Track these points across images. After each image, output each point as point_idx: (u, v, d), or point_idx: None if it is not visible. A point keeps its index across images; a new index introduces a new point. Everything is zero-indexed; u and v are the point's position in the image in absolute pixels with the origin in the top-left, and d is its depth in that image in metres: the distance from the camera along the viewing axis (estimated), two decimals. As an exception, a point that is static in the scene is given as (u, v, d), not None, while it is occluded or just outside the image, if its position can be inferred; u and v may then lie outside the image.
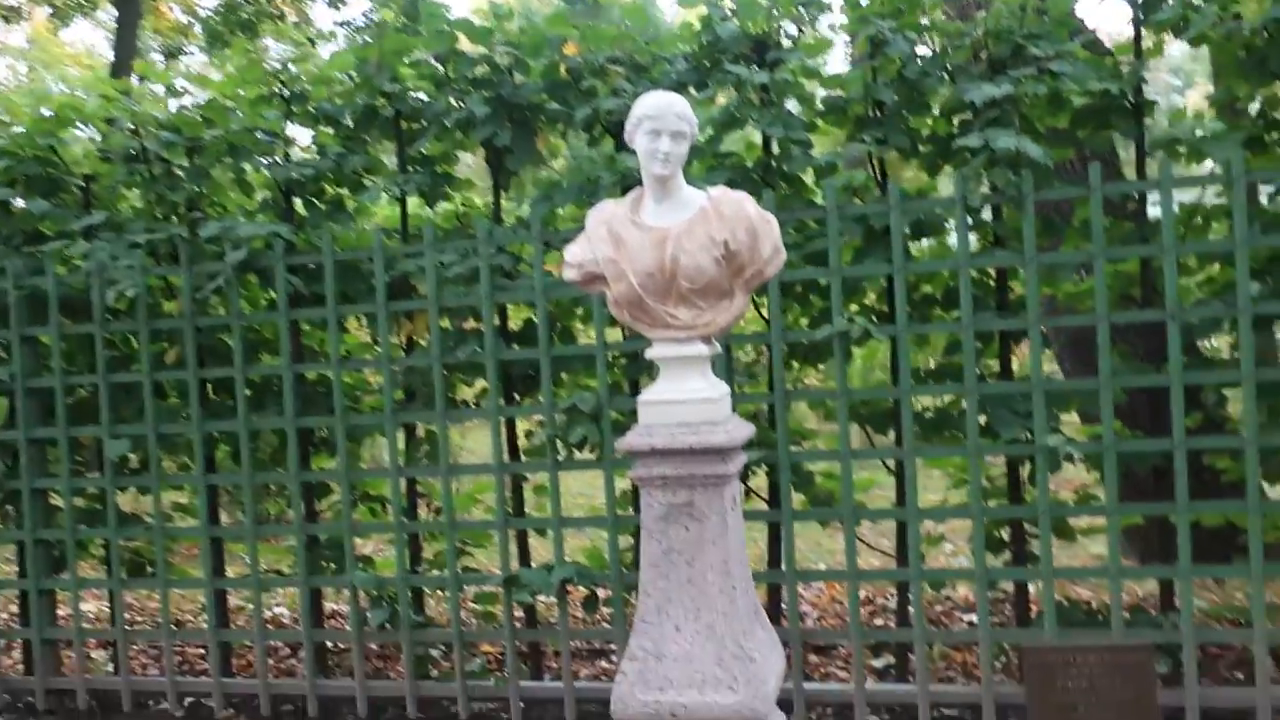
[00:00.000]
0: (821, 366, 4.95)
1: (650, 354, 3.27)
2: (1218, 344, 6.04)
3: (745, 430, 3.23)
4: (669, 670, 3.15)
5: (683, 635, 3.16)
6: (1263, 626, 3.92)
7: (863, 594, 5.83)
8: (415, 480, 4.90)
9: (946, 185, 5.27)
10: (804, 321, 4.73)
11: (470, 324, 4.73)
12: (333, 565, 4.86)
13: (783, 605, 4.50)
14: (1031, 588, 4.40)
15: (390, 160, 5.12)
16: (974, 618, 5.38)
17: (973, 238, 4.35)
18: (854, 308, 4.55)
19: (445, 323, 4.61)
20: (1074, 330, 5.49)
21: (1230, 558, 4.97)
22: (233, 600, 5.86)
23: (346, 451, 4.64)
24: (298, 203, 5.00)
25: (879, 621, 5.45)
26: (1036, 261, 4.03)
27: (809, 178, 4.71)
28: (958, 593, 5.78)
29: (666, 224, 3.20)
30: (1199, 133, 4.03)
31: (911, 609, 4.53)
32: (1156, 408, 4.52)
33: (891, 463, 4.59)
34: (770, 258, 3.22)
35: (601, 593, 4.58)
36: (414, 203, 5.23)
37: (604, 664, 5.10)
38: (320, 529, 4.84)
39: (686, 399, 3.19)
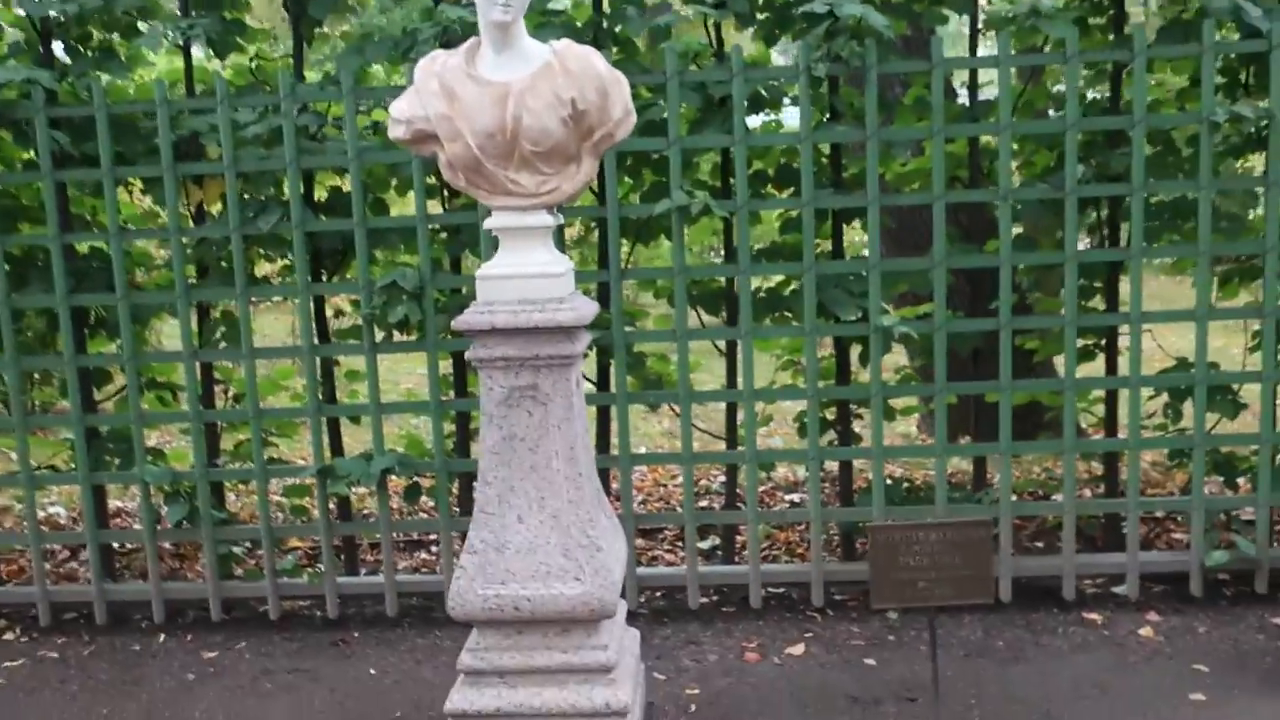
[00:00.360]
0: (650, 245, 4.77)
1: (490, 224, 2.98)
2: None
3: (592, 308, 3.02)
4: (511, 563, 2.96)
5: (526, 526, 2.97)
6: (1072, 499, 4.09)
7: (676, 481, 5.81)
8: (211, 365, 4.45)
9: (775, 58, 5.13)
10: (634, 197, 4.52)
11: (270, 192, 4.27)
12: (118, 460, 4.39)
13: (613, 490, 4.38)
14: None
15: (170, 3, 4.50)
16: (795, 498, 5.46)
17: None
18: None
19: (242, 190, 4.13)
20: (890, 211, 5.51)
21: (1035, 435, 5.22)
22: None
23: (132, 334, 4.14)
24: (58, 47, 4.33)
25: (703, 503, 5.44)
26: (878, 138, 3.93)
27: (641, 43, 4.44)
28: (777, 473, 5.84)
29: (507, 78, 2.88)
30: (1033, 10, 4.00)
31: (744, 490, 4.51)
32: (976, 290, 4.60)
33: (722, 344, 4.50)
34: (621, 119, 2.97)
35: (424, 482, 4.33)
36: (199, 55, 4.65)
37: (424, 555, 4.88)
38: (102, 420, 4.34)
39: (530, 273, 2.93)
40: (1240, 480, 4.38)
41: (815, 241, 3.99)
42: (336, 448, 4.37)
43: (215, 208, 4.43)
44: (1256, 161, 5.52)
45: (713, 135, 4.03)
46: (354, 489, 4.22)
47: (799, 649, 3.90)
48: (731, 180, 4.31)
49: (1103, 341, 4.39)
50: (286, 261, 4.66)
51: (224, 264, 4.32)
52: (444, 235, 4.30)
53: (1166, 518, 4.88)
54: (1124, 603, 4.16)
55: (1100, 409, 4.57)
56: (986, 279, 4.72)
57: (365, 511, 5.33)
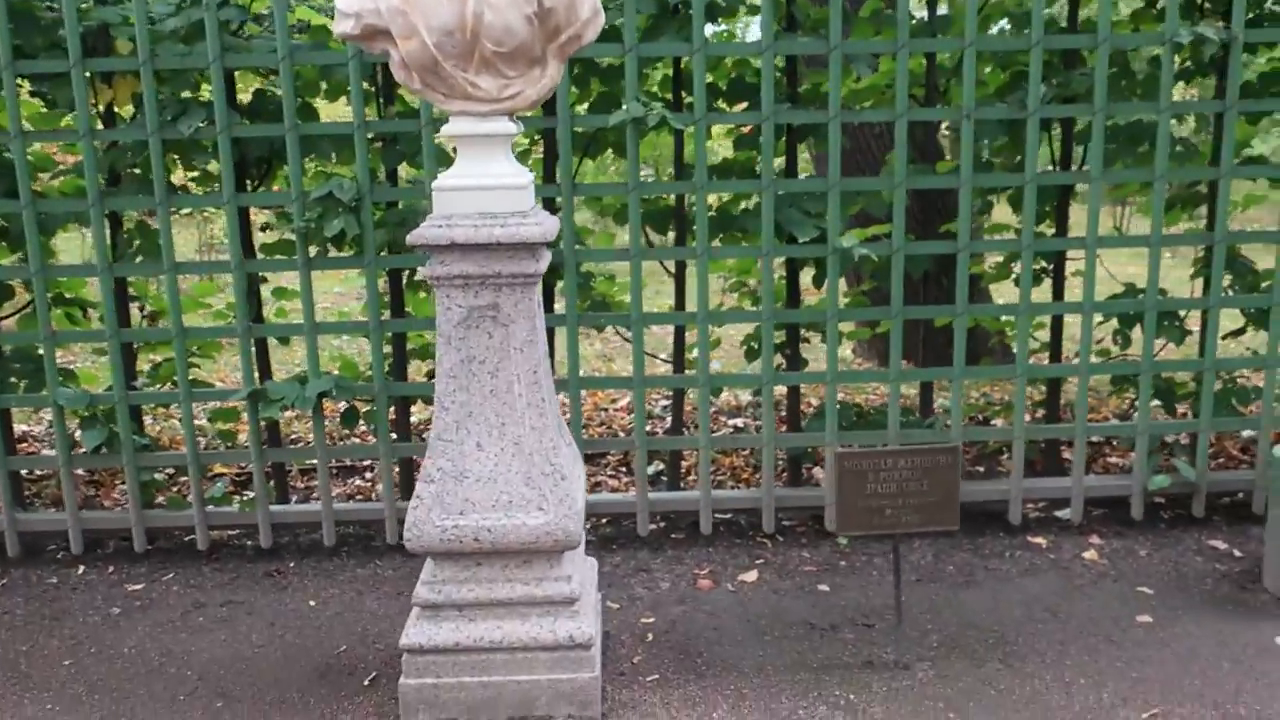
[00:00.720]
0: (597, 160, 4.57)
1: (448, 131, 2.77)
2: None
3: (555, 223, 2.84)
4: (470, 492, 2.81)
5: (486, 453, 2.82)
6: (1022, 424, 4.08)
7: (625, 401, 5.70)
8: (126, 280, 4.15)
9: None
10: (580, 108, 4.31)
11: (188, 94, 3.94)
12: (24, 381, 4.08)
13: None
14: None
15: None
16: (739, 422, 5.39)
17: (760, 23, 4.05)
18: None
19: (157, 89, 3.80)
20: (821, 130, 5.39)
21: (975, 361, 5.22)
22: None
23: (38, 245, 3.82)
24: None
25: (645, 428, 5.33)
26: (842, 48, 3.78)
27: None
28: (719, 398, 5.76)
29: (468, -29, 2.65)
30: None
31: (690, 415, 4.42)
32: (927, 213, 4.52)
33: (669, 264, 4.36)
34: (590, 19, 2.76)
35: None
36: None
37: (358, 482, 4.69)
38: (5, 339, 4.02)
39: (491, 185, 2.73)
40: (1178, 406, 4.45)
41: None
42: (266, 370, 4.13)
43: (126, 109, 4.09)
44: (1203, 87, 5.51)
45: (669, 43, 3.83)
46: (285, 413, 4.00)
47: (752, 575, 3.85)
48: (684, 94, 4.14)
49: (1050, 266, 4.37)
50: (200, 172, 4.36)
51: (137, 171, 4.01)
52: (379, 145, 4.04)
53: (1104, 442, 4.94)
54: (1067, 526, 4.20)
55: (1042, 334, 4.57)
56: (937, 201, 4.67)
57: (293, 436, 5.10)
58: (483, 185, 2.73)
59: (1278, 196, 4.65)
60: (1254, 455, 4.84)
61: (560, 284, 4.04)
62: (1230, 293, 4.13)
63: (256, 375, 4.00)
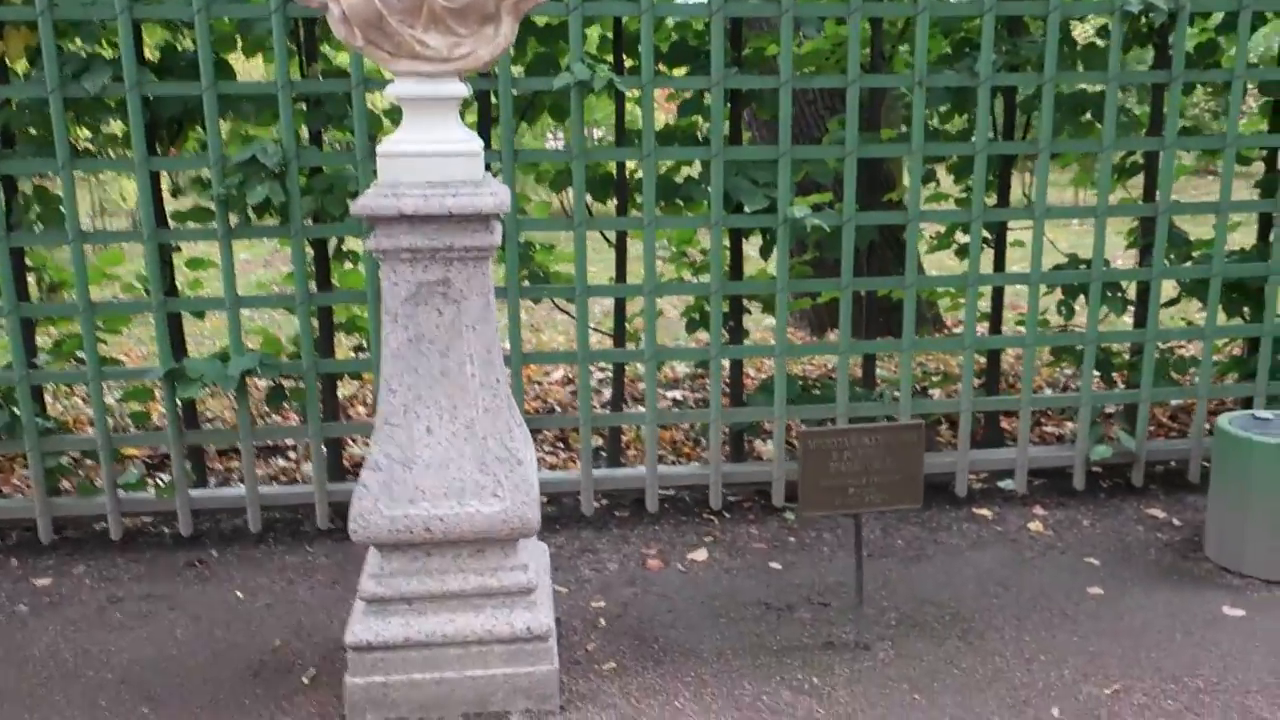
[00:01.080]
0: (535, 125, 4.38)
1: (392, 92, 2.56)
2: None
3: (508, 193, 2.66)
4: (421, 479, 2.64)
5: (436, 438, 2.64)
6: (969, 396, 4.05)
7: (559, 374, 5.54)
8: (22, 250, 3.83)
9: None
10: (516, 70, 4.10)
11: (91, 48, 3.64)
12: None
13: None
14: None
15: None
16: (677, 395, 5.28)
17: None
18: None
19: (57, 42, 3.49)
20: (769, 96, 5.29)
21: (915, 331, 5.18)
22: None
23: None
24: None
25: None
26: (794, 10, 3.65)
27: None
28: (658, 371, 5.63)
29: (415, -82, 2.44)
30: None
31: (632, 389, 4.29)
32: (872, 182, 4.44)
33: (610, 235, 4.21)
34: (547, -25, 2.58)
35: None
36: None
37: (281, 462, 4.45)
38: (-111, 314, 3.68)
39: (443, 151, 2.54)
40: (1114, 375, 4.48)
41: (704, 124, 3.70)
42: (181, 347, 3.86)
43: (19, 64, 3.76)
44: (1134, 58, 5.53)
45: (616, 3, 3.64)
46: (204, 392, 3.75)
47: (701, 554, 3.75)
48: (625, 57, 3.97)
49: (993, 237, 4.34)
50: (99, 134, 4.05)
51: (33, 131, 3.69)
52: (303, 106, 3.78)
53: (1040, 412, 4.96)
54: (1011, 498, 4.20)
55: (980, 305, 4.54)
56: (878, 170, 4.59)
57: (208, 415, 4.82)
58: (433, 151, 2.54)
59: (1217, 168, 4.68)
60: (1184, 423, 4.92)
61: (499, 254, 3.85)
62: (1166, 263, 4.14)
63: (172, 352, 3.73)
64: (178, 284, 3.93)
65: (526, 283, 4.06)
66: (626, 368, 5.01)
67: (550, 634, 2.75)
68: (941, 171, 4.68)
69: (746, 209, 3.79)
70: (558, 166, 4.15)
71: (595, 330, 4.94)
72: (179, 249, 3.97)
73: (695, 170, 4.17)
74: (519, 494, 2.66)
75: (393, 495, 2.63)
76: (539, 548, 3.13)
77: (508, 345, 3.78)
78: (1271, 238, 4.20)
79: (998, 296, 4.43)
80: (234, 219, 3.59)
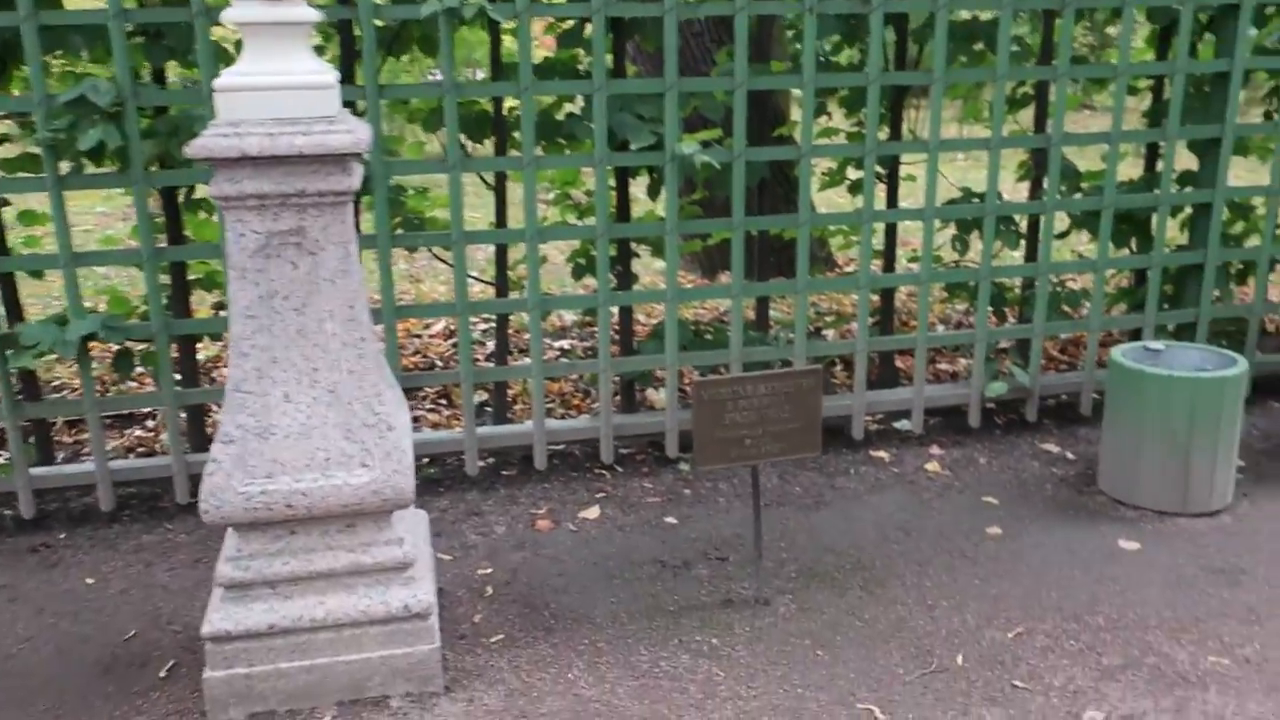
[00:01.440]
0: (400, 59, 4.07)
1: (230, 17, 2.27)
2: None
3: (367, 131, 2.40)
4: (280, 451, 2.39)
5: (296, 405, 2.40)
6: (865, 337, 3.94)
7: (440, 326, 5.27)
8: None
9: None
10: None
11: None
12: None
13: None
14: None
15: None
16: (565, 344, 5.07)
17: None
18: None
19: None
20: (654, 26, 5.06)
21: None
22: None
23: None
24: None
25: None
26: (676, -65, 3.42)
27: None
28: (544, 320, 5.40)
29: None
30: None
31: (529, 340, 4.06)
32: (761, 117, 4.27)
33: (490, 177, 3.96)
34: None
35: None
36: None
37: (139, 432, 4.11)
38: None
39: (290, 84, 2.27)
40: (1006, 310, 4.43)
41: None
42: (12, 310, 3.50)
43: None
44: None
45: (484, -77, 3.36)
46: (43, 359, 3.40)
47: (593, 512, 3.58)
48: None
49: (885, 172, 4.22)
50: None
51: None
52: (141, 39, 3.42)
53: (934, 350, 4.90)
54: (907, 438, 4.13)
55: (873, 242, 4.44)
56: (767, 104, 4.42)
57: (56, 383, 4.44)
58: (279, 84, 2.26)
59: (1102, 100, 4.64)
60: (1074, 355, 4.92)
61: (366, 200, 3.57)
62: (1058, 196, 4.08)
63: (5, 317, 3.37)
64: (9, 241, 3.55)
65: (400, 230, 3.80)
66: (511, 318, 4.79)
67: (430, 611, 2.54)
68: (833, 106, 4.52)
69: (632, 146, 3.58)
70: (430, 104, 3.86)
71: (478, 280, 4.71)
72: (8, 202, 3.58)
73: (578, 107, 3.93)
74: (390, 462, 2.43)
75: (248, 470, 2.38)
76: (418, 516, 2.92)
77: (380, 298, 3.52)
78: (1158, 168, 4.17)
79: (891, 233, 4.33)
80: (65, 166, 3.23)
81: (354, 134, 2.27)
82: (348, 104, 3.49)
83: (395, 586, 2.54)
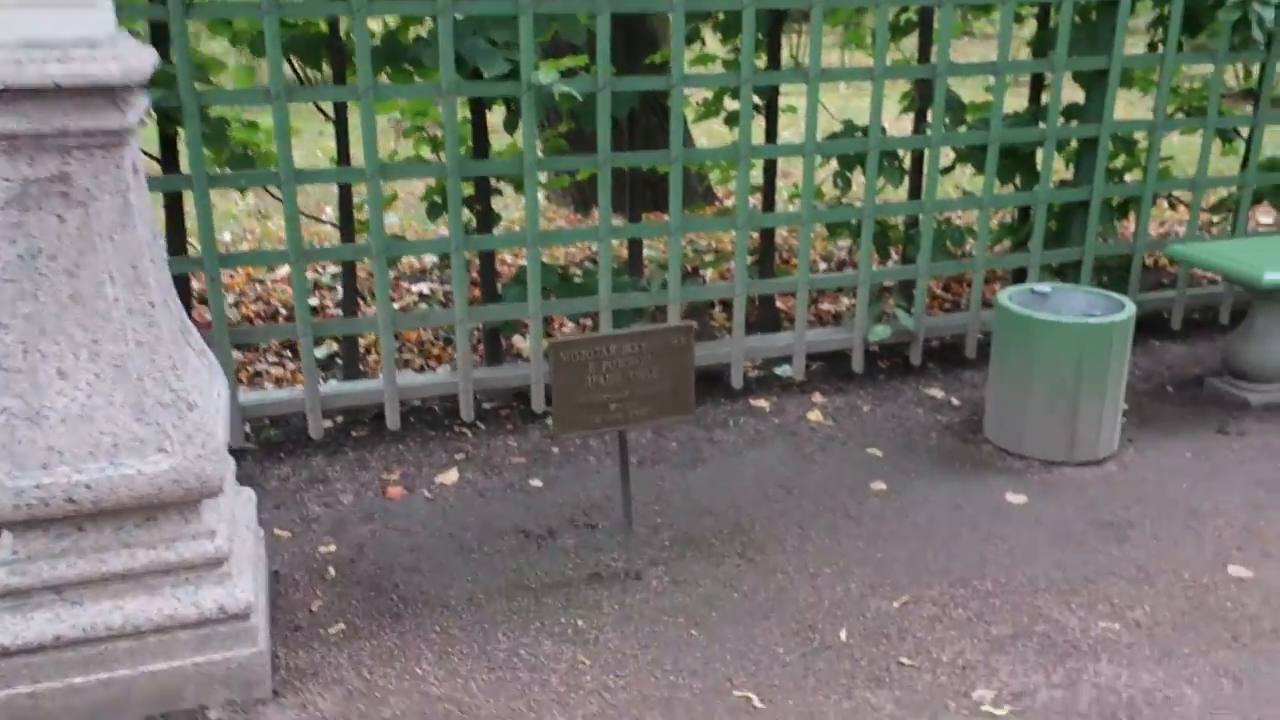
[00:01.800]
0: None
1: (-46, -89, 1.85)
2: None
3: (147, 57, 2.01)
4: (56, 437, 2.03)
5: (73, 382, 2.03)
6: (744, 280, 3.69)
7: (284, 271, 4.85)
8: None
9: None
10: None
11: None
12: None
13: (193, 302, 3.41)
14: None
15: None
16: (424, 288, 4.72)
17: None
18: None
19: None
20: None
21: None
22: None
23: None
24: None
25: (311, 302, 4.54)
26: None
27: None
28: (401, 261, 5.02)
29: None
30: None
31: (363, 286, 3.71)
32: (632, 43, 3.95)
33: (329, 107, 3.57)
34: None
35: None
36: None
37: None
38: None
39: (48, 0, 1.87)
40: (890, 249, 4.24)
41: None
42: None
43: None
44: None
45: None
46: None
47: (451, 476, 3.29)
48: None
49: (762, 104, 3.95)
50: None
51: None
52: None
53: (816, 291, 4.70)
54: (788, 385, 3.93)
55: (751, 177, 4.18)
56: (638, 28, 4.10)
57: None
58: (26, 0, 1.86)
59: (981, 28, 4.44)
60: (958, 294, 4.78)
61: (182, 134, 3.14)
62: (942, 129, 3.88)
63: None
64: None
65: (226, 169, 3.38)
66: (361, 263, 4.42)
67: (250, 611, 2.23)
68: (707, 31, 4.22)
69: (485, 75, 3.22)
70: (256, 24, 3.43)
71: (323, 222, 4.32)
72: None
73: (427, 30, 3.55)
74: (193, 446, 2.09)
75: (18, 460, 2.01)
76: (243, 497, 2.58)
77: (199, 245, 3.12)
78: (1043, 100, 4.00)
79: (770, 168, 4.09)
80: None
81: (124, 62, 1.88)
82: (157, 24, 3.06)
83: (208, 585, 2.21)
